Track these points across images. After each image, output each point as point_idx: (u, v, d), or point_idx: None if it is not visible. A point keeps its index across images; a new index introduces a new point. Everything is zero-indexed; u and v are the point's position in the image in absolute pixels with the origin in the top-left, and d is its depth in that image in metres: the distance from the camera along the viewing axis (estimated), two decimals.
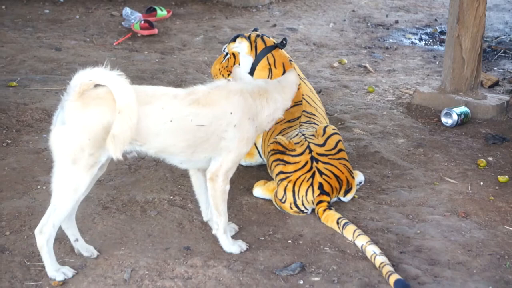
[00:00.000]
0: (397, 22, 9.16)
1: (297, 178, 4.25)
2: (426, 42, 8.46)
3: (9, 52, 7.10)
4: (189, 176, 4.00)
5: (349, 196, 4.41)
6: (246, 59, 4.80)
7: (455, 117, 5.74)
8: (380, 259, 3.73)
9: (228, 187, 3.79)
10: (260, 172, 4.76)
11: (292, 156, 4.31)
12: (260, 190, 4.44)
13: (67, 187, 3.41)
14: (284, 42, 4.85)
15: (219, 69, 4.92)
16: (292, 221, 4.19)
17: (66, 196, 3.42)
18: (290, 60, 4.86)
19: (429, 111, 6.09)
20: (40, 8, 8.81)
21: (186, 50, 7.64)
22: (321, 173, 4.25)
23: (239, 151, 3.74)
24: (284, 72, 4.59)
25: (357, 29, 8.81)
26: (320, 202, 4.21)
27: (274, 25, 8.66)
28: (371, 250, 3.80)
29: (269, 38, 4.89)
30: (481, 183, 4.78)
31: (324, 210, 4.17)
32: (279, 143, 4.36)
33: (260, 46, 4.80)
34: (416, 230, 4.15)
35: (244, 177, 4.69)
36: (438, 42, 8.42)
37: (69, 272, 3.56)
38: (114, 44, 7.69)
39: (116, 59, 7.03)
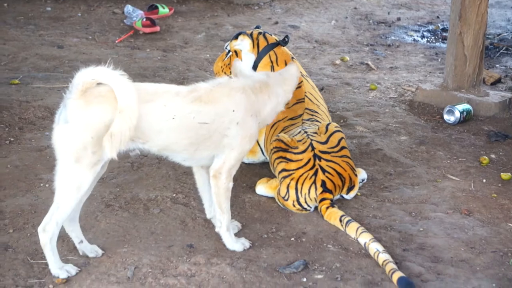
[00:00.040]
0: (399, 19, 9.16)
1: (300, 176, 4.25)
2: (428, 39, 8.46)
3: (11, 50, 7.10)
4: (193, 173, 4.00)
5: (352, 194, 4.41)
6: (248, 56, 4.80)
7: (457, 114, 5.73)
8: (383, 256, 3.73)
9: (231, 184, 3.79)
10: (262, 170, 4.76)
11: (295, 153, 4.31)
12: (263, 188, 4.44)
13: (70, 186, 3.41)
14: (286, 39, 4.85)
15: (221, 67, 4.92)
16: (295, 219, 4.19)
17: (69, 194, 3.42)
18: (292, 58, 4.85)
19: (432, 108, 6.09)
20: (42, 6, 8.81)
21: (188, 48, 7.64)
22: (323, 171, 4.25)
23: (242, 148, 3.74)
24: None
25: (359, 27, 8.81)
26: (323, 199, 4.21)
27: (276, 23, 8.65)
28: (374, 247, 3.80)
29: (271, 35, 4.89)
30: (484, 180, 4.77)
31: (327, 207, 4.17)
32: (282, 141, 4.36)
33: (262, 43, 4.80)
34: (419, 228, 4.14)
35: (247, 175, 4.69)
36: (440, 39, 8.41)
37: (72, 270, 3.56)
38: (116, 41, 7.69)
39: (118, 56, 7.03)
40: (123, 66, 3.43)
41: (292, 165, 4.28)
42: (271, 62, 4.76)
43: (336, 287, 3.55)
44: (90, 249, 3.72)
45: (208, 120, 3.59)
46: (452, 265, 3.79)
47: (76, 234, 3.70)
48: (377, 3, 9.86)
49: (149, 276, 3.57)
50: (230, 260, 3.72)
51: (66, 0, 9.02)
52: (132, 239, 3.91)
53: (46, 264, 3.56)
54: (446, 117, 5.81)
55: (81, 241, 3.71)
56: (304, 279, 3.61)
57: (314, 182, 4.23)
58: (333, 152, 4.33)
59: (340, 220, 4.07)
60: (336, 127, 4.47)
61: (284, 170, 4.30)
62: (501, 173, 4.84)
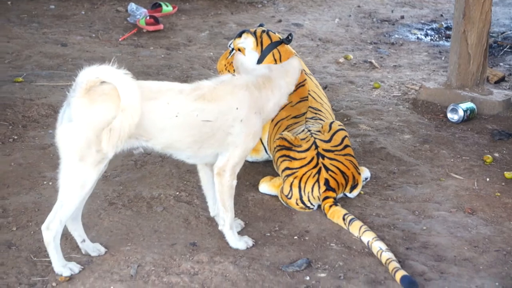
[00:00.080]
0: (402, 17, 9.15)
1: (303, 174, 4.24)
2: (432, 37, 8.45)
3: (15, 48, 7.11)
4: (196, 171, 4.00)
5: (355, 192, 4.41)
6: (251, 54, 4.80)
7: (461, 113, 5.73)
8: (386, 255, 3.72)
9: (235, 182, 3.78)
10: (266, 168, 4.76)
11: (298, 152, 4.30)
12: (266, 186, 4.44)
13: (74, 184, 3.41)
14: (290, 37, 4.85)
15: (225, 65, 4.92)
16: (298, 217, 4.19)
17: (73, 192, 3.42)
18: (295, 56, 4.85)
19: (435, 106, 6.08)
20: (46, 4, 8.81)
21: (191, 46, 7.64)
22: (327, 169, 4.25)
23: (246, 145, 3.74)
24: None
25: (362, 25, 8.80)
26: (326, 198, 4.21)
27: (280, 21, 8.65)
28: (377, 246, 3.80)
29: (274, 33, 4.89)
30: (487, 179, 4.77)
31: (330, 206, 4.17)
32: (285, 139, 4.36)
33: (266, 41, 4.79)
34: (422, 226, 4.14)
35: (250, 173, 4.68)
36: (444, 38, 8.40)
37: (75, 267, 3.56)
38: (120, 39, 7.69)
39: (121, 54, 7.03)
40: (127, 64, 3.44)
41: (296, 164, 4.28)
42: (275, 60, 4.76)
43: (339, 286, 3.55)
44: (92, 248, 3.72)
45: (212, 118, 3.59)
46: (455, 264, 3.78)
47: (78, 233, 3.70)
48: (381, 1, 9.86)
49: (152, 274, 3.57)
50: (233, 258, 3.72)
51: None
52: (135, 237, 3.91)
53: (49, 262, 3.56)
54: (449, 115, 5.80)
55: (84, 240, 3.71)
56: (307, 278, 3.61)
57: (318, 180, 4.23)
58: (336, 150, 4.33)
59: (343, 219, 4.07)
60: (339, 125, 4.46)
61: (287, 168, 4.30)
62: (505, 172, 4.84)
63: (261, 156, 4.82)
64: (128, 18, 8.26)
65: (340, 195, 4.34)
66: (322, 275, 3.64)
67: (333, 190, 4.24)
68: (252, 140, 3.76)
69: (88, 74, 3.35)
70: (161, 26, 8.03)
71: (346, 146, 4.38)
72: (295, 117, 4.65)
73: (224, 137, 3.66)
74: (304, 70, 4.90)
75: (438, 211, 4.32)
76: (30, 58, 6.86)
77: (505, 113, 5.92)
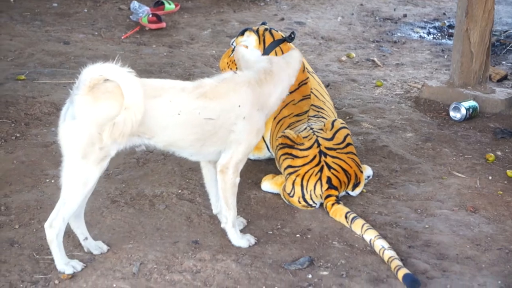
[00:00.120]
0: (405, 16, 9.14)
1: (306, 172, 4.24)
2: (435, 36, 8.44)
3: (17, 46, 7.11)
4: (199, 169, 4.00)
5: (358, 190, 4.41)
6: (254, 52, 4.79)
7: (463, 111, 5.73)
8: (388, 253, 3.72)
9: (238, 179, 3.78)
10: (268, 166, 4.76)
11: (301, 150, 4.30)
12: (268, 184, 4.44)
13: (76, 181, 3.41)
14: (292, 35, 4.84)
15: (228, 63, 4.91)
16: (300, 215, 4.19)
17: (76, 190, 3.43)
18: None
19: (438, 105, 6.08)
20: (48, 2, 8.81)
21: (194, 44, 7.64)
22: (329, 167, 4.25)
23: (249, 142, 3.74)
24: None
25: (365, 23, 8.79)
26: (328, 196, 4.21)
27: (282, 19, 8.65)
28: (380, 244, 3.80)
29: (277, 31, 4.89)
30: (490, 177, 4.77)
31: (333, 204, 4.17)
32: (288, 137, 4.36)
33: (268, 39, 4.79)
34: (425, 225, 4.14)
35: (252, 171, 4.69)
36: (446, 36, 8.39)
37: (78, 265, 3.57)
38: (122, 37, 7.69)
39: (124, 52, 7.03)
40: (129, 62, 3.44)
41: (298, 162, 4.28)
42: None
43: (342, 284, 3.55)
44: (95, 246, 3.72)
45: (214, 116, 3.59)
46: (457, 262, 3.78)
47: (81, 231, 3.70)
48: None
49: (155, 272, 3.57)
50: (235, 256, 3.72)
51: None
52: (137, 235, 3.92)
53: (52, 260, 3.56)
54: (452, 114, 5.80)
55: (86, 238, 3.71)
56: (309, 276, 3.61)
57: (320, 178, 4.22)
58: (338, 148, 4.33)
59: (346, 217, 4.07)
60: (342, 123, 4.46)
61: (289, 166, 4.30)
62: (507, 170, 4.83)
63: (263, 154, 4.82)
64: (130, 16, 8.26)
65: (342, 193, 4.34)
66: (325, 273, 3.64)
67: (335, 188, 4.24)
68: (255, 137, 3.75)
69: (92, 72, 3.35)
70: (163, 24, 8.03)
71: (348, 144, 4.38)
72: (297, 115, 4.65)
73: (227, 135, 3.66)
74: (307, 68, 4.90)
75: (441, 210, 4.32)
76: (33, 56, 6.86)
77: (507, 112, 5.92)
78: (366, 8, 9.41)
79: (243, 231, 3.95)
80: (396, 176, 4.77)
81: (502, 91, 6.12)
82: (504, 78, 6.70)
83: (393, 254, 3.71)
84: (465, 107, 5.72)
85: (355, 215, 4.07)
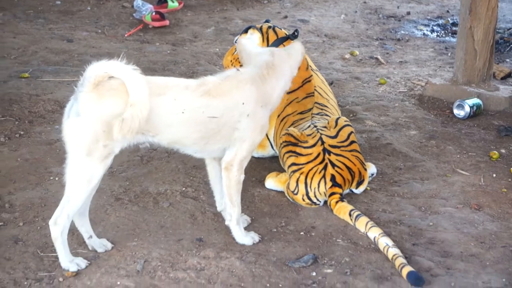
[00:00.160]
0: (408, 13, 9.13)
1: (309, 170, 4.24)
2: (438, 33, 8.43)
3: (21, 43, 7.12)
4: (202, 167, 4.01)
5: (362, 188, 4.41)
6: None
7: (467, 109, 5.72)
8: (392, 251, 3.72)
9: (242, 176, 3.78)
10: (272, 164, 4.76)
11: (304, 147, 4.30)
12: (272, 182, 4.44)
13: (81, 179, 3.41)
14: (296, 33, 4.84)
15: (231, 61, 4.91)
16: (304, 213, 4.19)
17: (80, 187, 3.43)
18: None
19: (441, 102, 6.08)
20: (52, 0, 8.81)
21: (197, 42, 7.64)
22: (333, 165, 4.25)
23: (253, 139, 3.73)
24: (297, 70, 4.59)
25: (368, 21, 8.79)
26: (332, 194, 4.20)
27: (286, 17, 8.64)
28: (384, 242, 3.80)
29: (280, 29, 4.88)
30: (494, 175, 4.76)
31: (337, 202, 4.17)
32: (291, 135, 4.35)
33: (272, 37, 4.79)
34: (429, 222, 4.14)
35: (256, 169, 4.68)
36: (450, 34, 8.39)
37: (82, 263, 3.57)
38: (126, 35, 7.69)
39: (127, 50, 7.03)
40: (133, 60, 3.43)
41: (302, 159, 4.28)
42: None
43: (346, 282, 3.55)
44: (99, 244, 3.72)
45: (218, 114, 3.59)
46: (462, 260, 3.78)
47: (86, 229, 3.71)
48: None
49: (159, 269, 3.57)
50: (239, 254, 3.72)
51: None
52: (141, 232, 3.92)
53: (56, 257, 3.57)
54: (456, 111, 5.79)
55: (90, 236, 3.72)
56: (314, 273, 3.61)
57: (324, 176, 4.22)
58: (342, 146, 4.33)
59: (350, 215, 4.07)
60: (345, 121, 4.46)
61: (293, 164, 4.29)
62: (511, 168, 4.83)
63: (267, 151, 4.82)
64: (134, 14, 8.26)
65: (346, 191, 4.33)
66: (329, 270, 3.64)
67: (339, 186, 4.23)
68: (259, 134, 3.75)
69: (97, 69, 3.35)
70: (167, 22, 8.03)
71: (352, 142, 4.38)
72: (301, 113, 4.65)
73: (231, 133, 3.66)
74: (310, 66, 4.89)
75: (445, 207, 4.32)
76: (36, 53, 6.86)
77: (511, 109, 5.91)
78: (370, 5, 9.40)
79: (247, 228, 3.96)
80: (400, 173, 4.77)
81: (506, 89, 6.11)
82: (508, 75, 6.69)
83: (397, 252, 3.71)
84: (469, 105, 5.72)
85: (359, 212, 4.06)
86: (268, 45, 4.75)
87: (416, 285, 3.52)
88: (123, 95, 3.32)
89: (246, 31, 4.83)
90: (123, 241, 3.81)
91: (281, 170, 4.52)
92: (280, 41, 4.77)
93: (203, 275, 3.54)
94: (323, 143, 4.30)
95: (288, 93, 4.61)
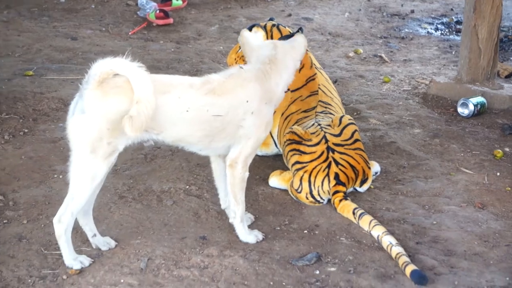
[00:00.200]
0: (412, 11, 9.12)
1: (313, 168, 4.24)
2: (442, 32, 8.42)
3: (25, 41, 7.13)
4: (206, 165, 4.01)
5: (365, 187, 4.41)
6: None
7: (471, 107, 5.71)
8: (396, 249, 3.72)
9: (247, 174, 3.78)
10: (276, 162, 4.76)
11: (308, 146, 4.30)
12: (276, 180, 4.44)
13: (85, 176, 3.42)
14: (300, 31, 4.83)
15: (235, 59, 4.91)
16: (308, 211, 4.19)
17: (84, 185, 3.43)
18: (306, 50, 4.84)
19: (445, 101, 6.07)
20: None
21: (201, 40, 7.64)
22: (337, 163, 4.25)
23: (258, 137, 3.74)
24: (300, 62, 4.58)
25: (372, 19, 8.78)
26: (336, 192, 4.20)
27: (290, 15, 8.64)
28: (387, 240, 3.80)
29: (285, 27, 4.88)
30: (498, 173, 4.76)
31: (340, 200, 4.17)
32: (295, 133, 4.35)
33: (276, 35, 4.79)
34: (432, 221, 4.14)
35: (260, 167, 4.68)
36: (454, 32, 8.37)
37: (86, 261, 3.58)
38: (130, 33, 7.69)
39: (131, 48, 7.03)
40: (137, 58, 3.43)
41: (306, 158, 4.28)
42: None
43: (349, 280, 3.55)
44: (103, 242, 3.73)
45: (222, 112, 3.59)
46: (465, 259, 3.78)
47: (89, 228, 3.71)
48: None
49: (162, 267, 3.58)
50: (243, 252, 3.72)
51: None
52: (145, 230, 3.92)
53: (60, 255, 3.57)
54: (460, 110, 5.79)
55: (94, 235, 3.72)
56: (317, 272, 3.61)
57: (328, 174, 4.22)
58: (346, 144, 4.32)
59: (353, 213, 4.07)
60: (349, 119, 4.46)
61: (297, 162, 4.29)
62: None
63: (271, 150, 4.82)
64: (138, 12, 8.26)
65: (350, 189, 4.33)
66: (332, 269, 3.64)
67: (343, 184, 4.23)
68: (264, 131, 3.76)
69: (102, 67, 3.35)
70: (171, 20, 8.03)
71: (356, 140, 4.38)
72: (305, 111, 4.65)
73: (235, 130, 3.66)
74: (314, 64, 4.89)
75: (448, 206, 4.31)
76: (41, 51, 6.87)
77: None
78: (374, 3, 9.39)
79: (250, 227, 3.96)
80: (404, 172, 4.76)
81: (510, 87, 6.10)
82: None
83: (401, 250, 3.71)
84: (473, 103, 5.71)
85: (362, 211, 4.06)
86: None
87: (419, 283, 3.52)
88: (128, 92, 3.33)
89: (250, 29, 4.82)
90: (127, 239, 3.82)
91: (284, 168, 4.52)
92: (284, 39, 4.76)
93: (207, 273, 3.54)
94: (327, 141, 4.29)
95: (292, 91, 4.61)
